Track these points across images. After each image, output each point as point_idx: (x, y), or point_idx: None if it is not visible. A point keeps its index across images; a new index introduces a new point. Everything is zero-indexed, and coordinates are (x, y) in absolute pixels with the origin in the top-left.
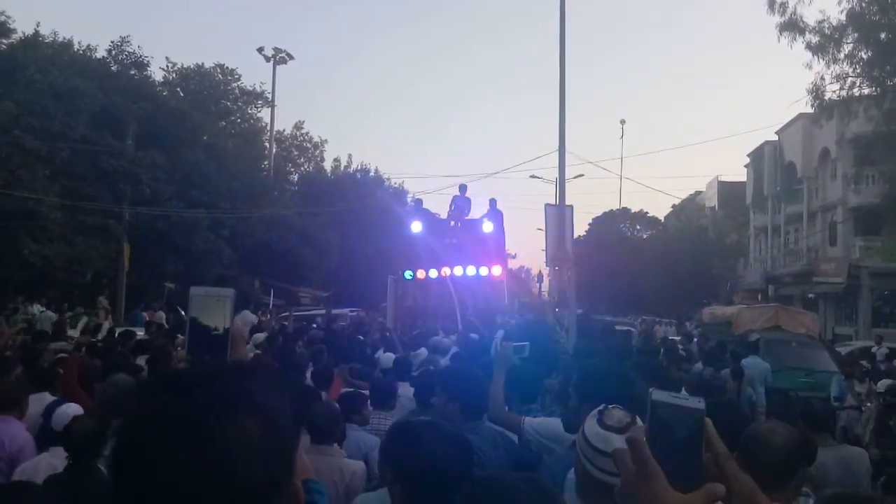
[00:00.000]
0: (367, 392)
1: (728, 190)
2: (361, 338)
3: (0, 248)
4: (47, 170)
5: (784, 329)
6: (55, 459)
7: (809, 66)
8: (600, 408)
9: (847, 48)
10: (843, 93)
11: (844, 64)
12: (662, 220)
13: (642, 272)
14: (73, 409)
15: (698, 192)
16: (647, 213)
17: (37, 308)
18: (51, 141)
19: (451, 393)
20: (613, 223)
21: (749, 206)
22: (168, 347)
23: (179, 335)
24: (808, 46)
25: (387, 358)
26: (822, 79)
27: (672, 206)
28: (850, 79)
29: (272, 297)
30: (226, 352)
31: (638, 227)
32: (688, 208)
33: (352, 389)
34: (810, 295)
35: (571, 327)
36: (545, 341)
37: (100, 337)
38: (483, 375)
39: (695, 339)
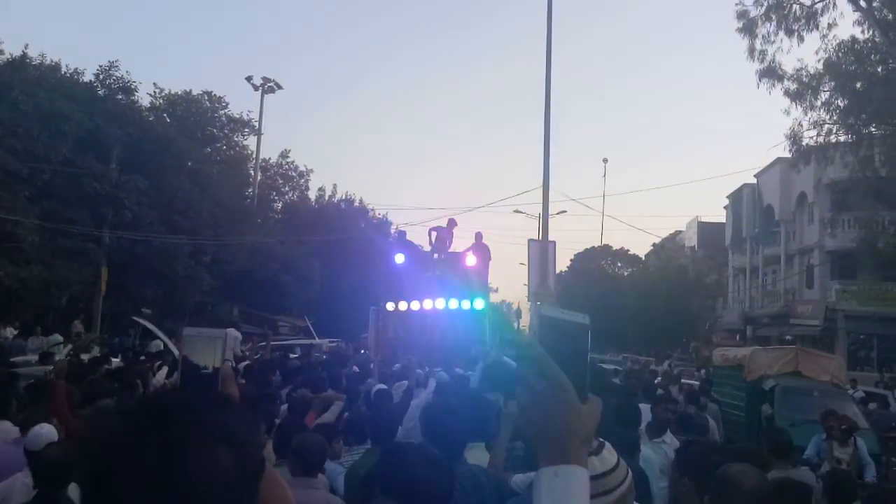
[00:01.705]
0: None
1: (707, 230)
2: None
3: None
4: (28, 191)
5: (805, 375)
6: (29, 479)
7: (787, 112)
8: None
9: (824, 96)
10: (821, 139)
11: (822, 111)
12: (643, 258)
13: (622, 309)
14: (45, 430)
15: (678, 232)
16: (628, 250)
17: (9, 331)
18: (33, 162)
19: (428, 433)
20: (595, 260)
21: (728, 247)
22: (147, 373)
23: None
24: (787, 93)
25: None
26: (800, 125)
27: (652, 245)
28: (826, 125)
29: (251, 326)
30: (216, 389)
31: (619, 264)
32: (668, 247)
33: (324, 422)
34: (787, 336)
35: None
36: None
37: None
38: (462, 412)
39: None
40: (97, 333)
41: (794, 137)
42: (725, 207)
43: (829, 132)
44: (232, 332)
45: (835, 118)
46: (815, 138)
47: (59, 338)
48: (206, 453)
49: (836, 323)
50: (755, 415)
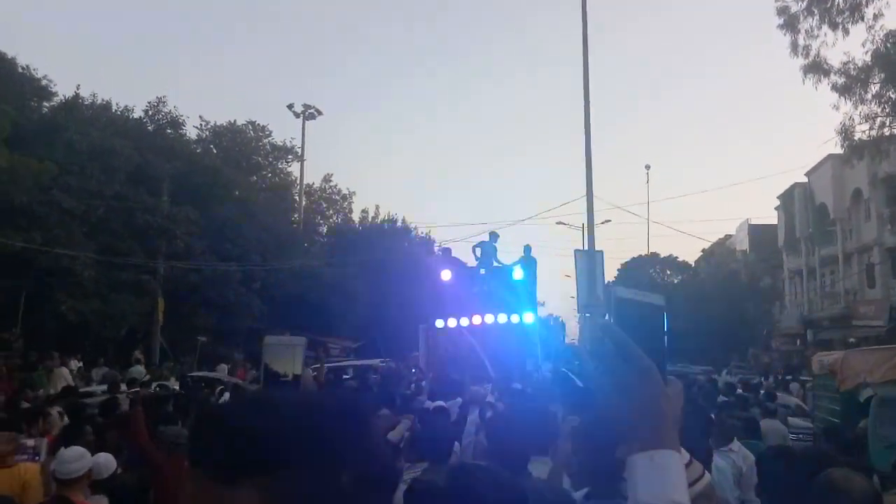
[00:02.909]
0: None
1: (759, 233)
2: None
3: (38, 304)
4: (84, 227)
5: None
6: None
7: (836, 108)
8: None
9: (874, 88)
10: (873, 133)
11: (873, 104)
12: (692, 265)
13: (674, 318)
14: (103, 459)
15: (728, 236)
16: (676, 257)
17: (73, 364)
18: (87, 199)
19: (493, 446)
20: (643, 268)
21: (781, 249)
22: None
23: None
24: (834, 87)
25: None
26: (851, 119)
27: (702, 251)
28: (879, 118)
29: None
30: None
31: (668, 271)
32: (718, 252)
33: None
34: (851, 339)
35: None
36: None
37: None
38: (526, 425)
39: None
40: (170, 362)
41: (846, 132)
42: (776, 208)
43: (882, 125)
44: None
45: (887, 110)
46: (867, 132)
47: (142, 369)
48: None
49: None
50: (851, 434)
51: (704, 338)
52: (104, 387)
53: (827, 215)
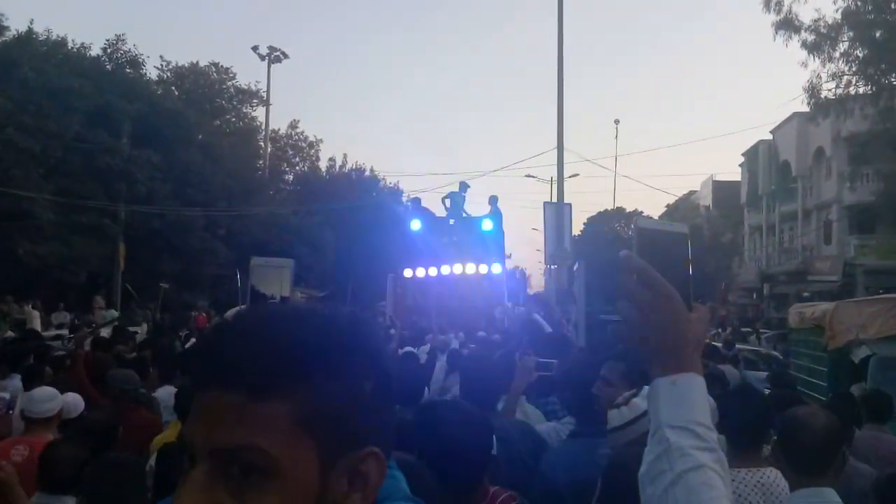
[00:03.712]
0: None
1: (722, 189)
2: None
3: None
4: (41, 169)
5: None
6: None
7: (805, 65)
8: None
9: (843, 46)
10: (839, 91)
11: (840, 62)
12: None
13: None
14: (71, 398)
15: (693, 192)
16: (641, 212)
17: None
18: (45, 139)
19: (465, 385)
20: (608, 222)
21: (744, 206)
22: (173, 343)
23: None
24: (804, 45)
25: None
26: (819, 77)
27: (666, 206)
28: (846, 77)
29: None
30: None
31: (633, 226)
32: (682, 207)
33: None
34: (805, 293)
35: (580, 324)
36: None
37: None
38: (498, 367)
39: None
40: (117, 312)
41: (813, 90)
42: (741, 165)
43: (849, 84)
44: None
45: (854, 69)
46: (833, 91)
47: (114, 313)
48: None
49: (855, 278)
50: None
51: None
52: (65, 331)
53: (789, 173)
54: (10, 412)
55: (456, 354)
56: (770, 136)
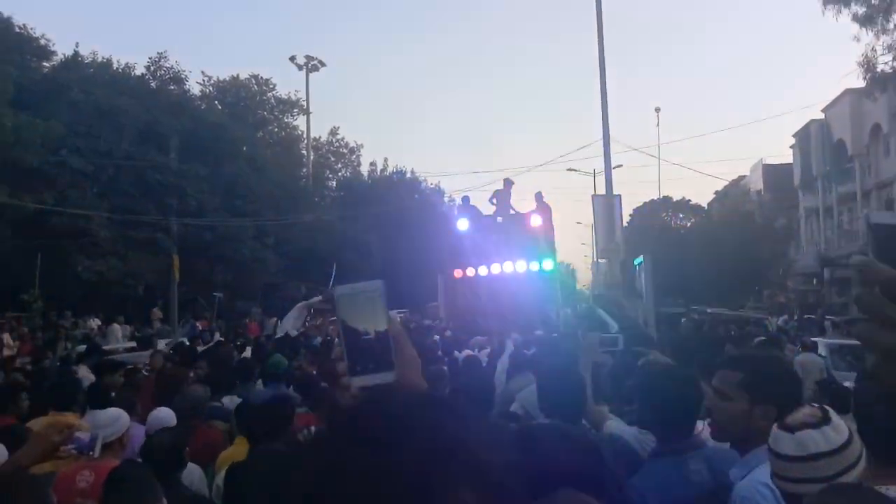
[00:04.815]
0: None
1: (773, 172)
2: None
3: (54, 266)
4: (95, 188)
5: None
6: None
7: (857, 39)
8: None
9: None
10: None
11: (895, 34)
12: (706, 207)
13: (688, 262)
14: (164, 414)
15: (742, 177)
16: (689, 200)
17: (93, 322)
18: (97, 159)
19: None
20: (655, 212)
21: (797, 188)
22: (231, 353)
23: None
24: (855, 18)
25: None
26: (873, 50)
27: (715, 193)
28: None
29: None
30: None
31: (681, 215)
32: (732, 193)
33: None
34: None
35: (650, 320)
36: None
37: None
38: (577, 374)
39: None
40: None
41: (868, 64)
42: (792, 147)
43: None
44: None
45: None
46: (890, 63)
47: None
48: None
49: None
50: None
51: (717, 280)
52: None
53: (845, 152)
54: (91, 454)
55: (520, 356)
56: (822, 116)
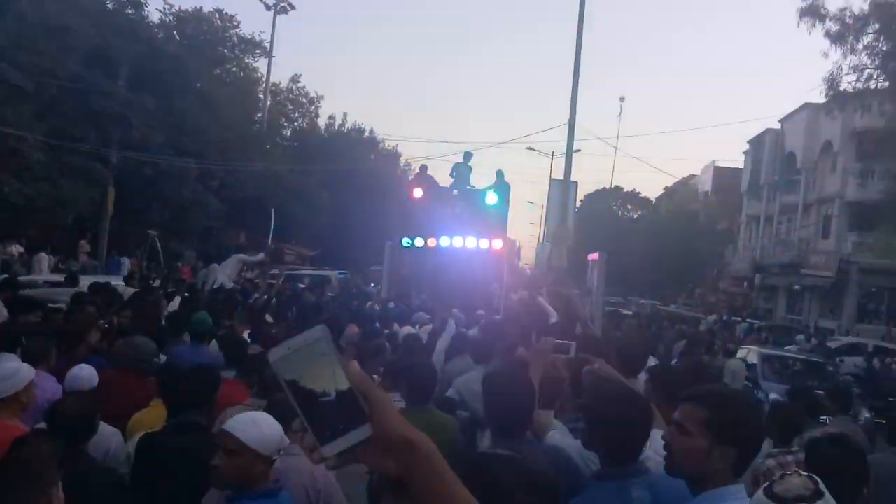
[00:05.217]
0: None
1: (723, 175)
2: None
3: None
4: (33, 107)
5: None
6: None
7: (826, 55)
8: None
9: (867, 39)
10: (859, 84)
11: (863, 55)
12: (653, 202)
13: (631, 252)
14: (86, 372)
15: (692, 176)
16: (639, 192)
17: (15, 248)
18: (39, 77)
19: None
20: (604, 201)
21: (743, 194)
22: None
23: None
24: (828, 34)
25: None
26: (840, 69)
27: (664, 188)
28: (867, 70)
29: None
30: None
31: (629, 206)
32: (680, 191)
33: None
34: (796, 287)
35: (597, 319)
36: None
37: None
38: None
39: None
40: (101, 259)
41: (832, 82)
42: (745, 153)
43: (870, 78)
44: (240, 256)
45: (877, 63)
46: (853, 84)
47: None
48: None
49: (849, 275)
50: None
51: (657, 273)
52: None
53: (794, 164)
54: None
55: (462, 337)
56: (778, 126)
